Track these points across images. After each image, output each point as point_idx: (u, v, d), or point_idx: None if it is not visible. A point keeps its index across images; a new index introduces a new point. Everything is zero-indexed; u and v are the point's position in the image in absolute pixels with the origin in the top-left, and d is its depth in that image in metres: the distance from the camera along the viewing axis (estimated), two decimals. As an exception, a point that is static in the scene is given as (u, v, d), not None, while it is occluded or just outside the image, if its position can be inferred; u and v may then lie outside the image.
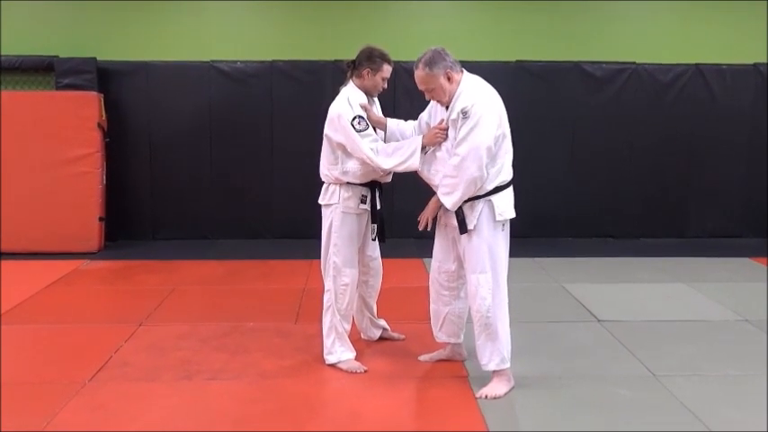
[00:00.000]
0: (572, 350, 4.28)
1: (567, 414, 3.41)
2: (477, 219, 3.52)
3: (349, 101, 3.80)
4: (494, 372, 3.64)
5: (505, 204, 3.56)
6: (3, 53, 7.31)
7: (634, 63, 7.68)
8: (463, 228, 3.54)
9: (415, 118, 4.04)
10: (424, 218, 3.68)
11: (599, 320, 4.87)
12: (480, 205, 3.51)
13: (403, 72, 7.14)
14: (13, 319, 4.87)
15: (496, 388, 3.61)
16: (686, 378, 3.84)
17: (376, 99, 4.03)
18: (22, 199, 6.96)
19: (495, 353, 3.59)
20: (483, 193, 3.50)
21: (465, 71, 3.60)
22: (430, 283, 3.95)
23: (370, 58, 3.84)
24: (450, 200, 3.51)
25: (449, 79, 3.50)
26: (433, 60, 3.49)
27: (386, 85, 3.94)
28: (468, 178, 3.42)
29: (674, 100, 7.72)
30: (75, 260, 6.64)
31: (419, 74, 3.53)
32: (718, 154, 7.80)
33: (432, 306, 3.96)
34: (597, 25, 7.81)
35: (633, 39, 7.78)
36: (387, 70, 3.87)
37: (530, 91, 7.55)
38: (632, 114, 7.72)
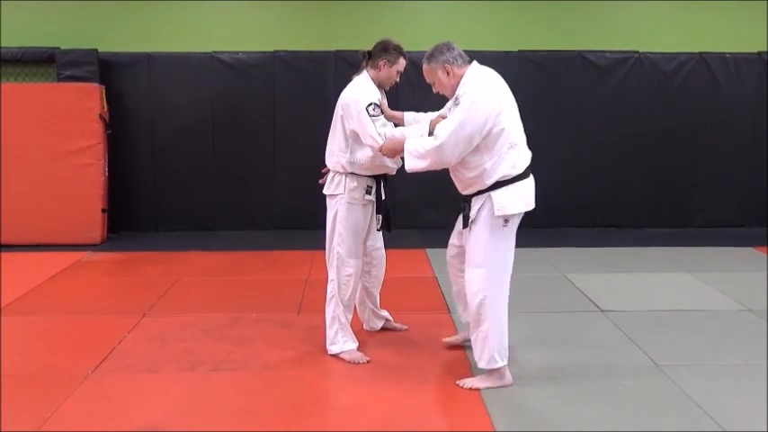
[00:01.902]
0: (575, 340, 4.28)
1: (570, 404, 3.42)
2: (477, 213, 3.49)
3: (365, 88, 3.83)
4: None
5: (507, 199, 3.43)
6: (4, 45, 7.30)
7: (637, 52, 7.65)
8: (466, 222, 3.55)
9: (418, 108, 4.07)
10: (384, 144, 3.67)
11: (602, 310, 4.87)
12: (481, 200, 3.48)
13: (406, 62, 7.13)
14: (16, 311, 4.88)
15: (478, 381, 3.58)
16: (689, 368, 3.84)
17: (382, 91, 4.03)
18: (25, 191, 6.96)
19: (484, 352, 3.54)
20: (484, 187, 3.45)
21: (474, 63, 3.57)
22: (448, 266, 4.00)
23: (387, 49, 3.87)
24: (411, 163, 3.49)
25: (447, 73, 3.51)
26: (433, 55, 3.53)
27: (398, 79, 3.97)
28: (436, 161, 3.43)
29: (678, 89, 7.69)
30: (77, 252, 6.65)
31: (423, 67, 3.59)
32: (721, 143, 7.78)
33: (453, 288, 4.03)
34: (600, 14, 7.78)
35: (636, 27, 7.75)
36: (402, 63, 3.91)
37: (532, 81, 7.52)
38: (635, 103, 7.69)
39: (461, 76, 3.49)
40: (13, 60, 7.31)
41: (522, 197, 3.49)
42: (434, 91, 3.66)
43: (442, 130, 3.38)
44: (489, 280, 3.48)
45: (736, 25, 7.73)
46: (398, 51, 3.88)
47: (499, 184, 3.44)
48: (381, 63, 3.87)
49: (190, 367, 3.87)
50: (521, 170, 3.48)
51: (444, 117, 3.61)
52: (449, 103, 3.76)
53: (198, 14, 7.59)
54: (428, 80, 3.61)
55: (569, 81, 7.65)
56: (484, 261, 3.48)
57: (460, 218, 3.71)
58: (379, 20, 7.53)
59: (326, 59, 7.42)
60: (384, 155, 3.72)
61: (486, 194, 3.46)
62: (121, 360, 3.97)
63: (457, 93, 3.46)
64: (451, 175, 3.60)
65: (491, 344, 3.52)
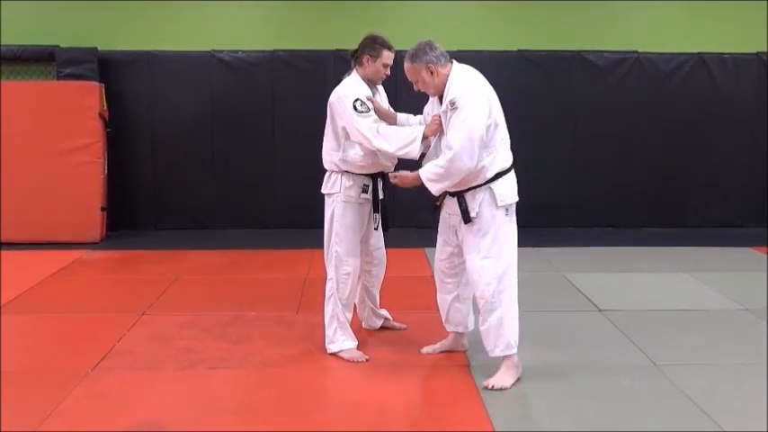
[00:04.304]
0: (573, 339, 4.29)
1: (568, 403, 3.43)
2: (479, 207, 3.52)
3: (351, 85, 3.83)
4: (502, 359, 3.62)
5: (506, 189, 3.56)
6: (3, 43, 7.29)
7: (636, 52, 7.66)
8: (467, 217, 3.55)
9: (416, 106, 4.08)
10: (401, 182, 3.67)
11: (600, 310, 4.88)
12: (481, 194, 3.52)
13: (403, 61, 7.12)
14: (16, 309, 4.89)
15: (503, 379, 3.59)
16: (687, 367, 3.86)
17: (381, 89, 4.03)
18: (24, 189, 6.96)
19: (500, 339, 3.59)
20: (483, 181, 3.51)
21: (454, 62, 3.61)
22: (434, 272, 3.97)
23: (370, 45, 3.86)
24: (435, 187, 3.53)
25: (431, 73, 3.55)
26: (416, 54, 3.56)
27: (388, 72, 3.95)
28: (459, 170, 3.43)
29: (677, 89, 7.70)
30: (77, 250, 6.65)
31: (405, 66, 3.63)
32: (719, 143, 7.78)
33: (438, 296, 3.98)
34: (599, 14, 7.78)
35: (635, 28, 7.75)
36: (387, 56, 3.88)
37: (531, 80, 7.53)
38: (634, 104, 7.70)
39: (446, 75, 3.55)
40: (12, 58, 7.30)
41: (515, 186, 3.62)
42: (416, 89, 3.71)
43: (452, 140, 3.42)
44: (500, 268, 3.55)
45: (734, 26, 7.73)
46: (382, 45, 3.86)
47: (497, 176, 3.52)
48: (365, 59, 3.86)
49: (189, 365, 3.87)
50: (511, 161, 3.61)
51: (437, 118, 3.61)
52: (431, 101, 3.81)
53: (198, 13, 7.58)
54: (410, 78, 3.65)
55: (568, 81, 7.65)
56: (493, 251, 3.54)
57: (450, 216, 3.73)
58: (378, 19, 7.51)
59: (326, 58, 7.42)
60: (401, 186, 3.70)
61: (485, 187, 3.52)
62: (121, 358, 3.98)
63: (451, 97, 3.47)
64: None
65: (506, 329, 3.58)
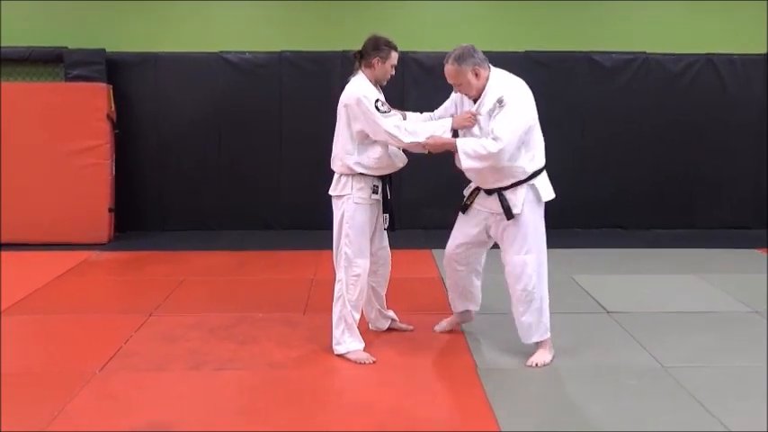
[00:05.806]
0: (581, 341, 4.28)
1: (575, 404, 3.42)
2: (523, 204, 3.70)
3: (364, 87, 3.82)
4: (536, 342, 3.86)
5: (547, 187, 3.80)
6: (12, 44, 7.33)
7: (644, 53, 7.63)
8: (509, 214, 3.70)
9: (423, 106, 4.13)
10: (432, 144, 3.74)
11: (608, 312, 4.87)
12: (524, 190, 3.72)
13: (411, 62, 7.13)
14: (23, 310, 4.91)
15: (543, 356, 3.85)
16: (695, 369, 3.84)
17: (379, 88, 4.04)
18: (32, 190, 6.99)
19: (540, 325, 3.84)
20: (524, 177, 3.69)
21: (492, 67, 3.77)
22: (445, 259, 4.14)
23: (377, 47, 3.86)
24: (468, 163, 3.63)
25: (476, 75, 3.70)
26: (463, 57, 3.68)
27: (394, 72, 3.96)
28: (497, 161, 3.58)
29: (685, 90, 7.67)
30: (84, 251, 6.67)
31: (448, 68, 3.72)
32: (728, 144, 7.75)
33: (448, 281, 4.27)
34: (607, 15, 7.76)
35: (643, 28, 7.73)
36: (394, 57, 3.91)
37: (539, 81, 7.36)
38: (642, 105, 7.67)
39: (486, 78, 3.72)
40: (20, 60, 7.33)
41: (549, 184, 3.85)
42: (456, 91, 3.86)
43: (501, 132, 3.55)
44: (539, 262, 3.81)
45: (743, 27, 7.69)
46: (389, 46, 3.88)
47: (536, 174, 3.72)
48: (374, 61, 3.87)
49: (196, 366, 3.88)
50: (545, 161, 3.79)
51: (469, 115, 3.74)
52: (452, 98, 3.97)
53: (205, 14, 7.60)
54: (454, 81, 3.76)
55: (576, 82, 7.63)
56: (534, 246, 3.78)
57: (482, 212, 3.88)
58: (384, 20, 7.51)
59: (332, 59, 7.42)
60: (428, 149, 3.79)
61: (528, 184, 3.71)
62: (128, 359, 3.99)
63: (499, 95, 3.63)
64: (478, 170, 3.70)
65: (545, 316, 3.85)
